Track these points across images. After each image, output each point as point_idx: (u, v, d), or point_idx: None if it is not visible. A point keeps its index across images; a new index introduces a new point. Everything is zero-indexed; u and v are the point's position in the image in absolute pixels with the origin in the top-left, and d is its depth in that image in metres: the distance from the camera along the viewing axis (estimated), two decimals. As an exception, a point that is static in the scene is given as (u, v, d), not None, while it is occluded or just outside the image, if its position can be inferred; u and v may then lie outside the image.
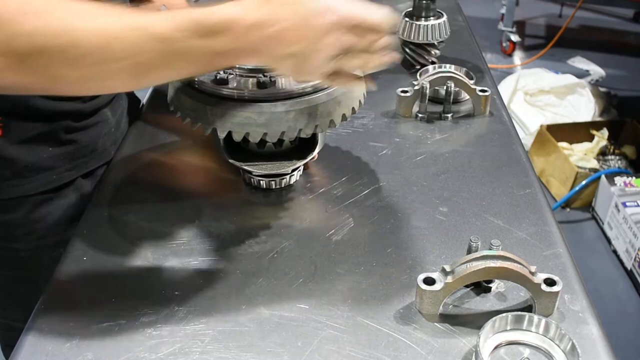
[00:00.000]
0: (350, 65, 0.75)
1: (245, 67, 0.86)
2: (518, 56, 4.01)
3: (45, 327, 0.78)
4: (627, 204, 2.44)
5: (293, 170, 1.00)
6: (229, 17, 0.68)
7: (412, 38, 1.34)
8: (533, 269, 0.77)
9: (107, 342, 0.75)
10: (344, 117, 0.89)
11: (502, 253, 0.76)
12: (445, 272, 0.77)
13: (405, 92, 1.21)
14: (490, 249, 0.78)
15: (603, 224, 2.58)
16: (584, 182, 2.66)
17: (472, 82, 1.21)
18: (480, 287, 0.82)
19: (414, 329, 0.77)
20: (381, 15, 0.72)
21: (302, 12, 0.69)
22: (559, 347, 0.73)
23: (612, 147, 2.90)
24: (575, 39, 4.14)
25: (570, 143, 2.90)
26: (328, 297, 0.82)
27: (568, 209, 2.72)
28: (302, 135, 0.88)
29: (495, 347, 0.74)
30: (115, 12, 0.69)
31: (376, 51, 0.74)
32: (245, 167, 0.97)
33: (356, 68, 0.77)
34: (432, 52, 1.37)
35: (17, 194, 1.01)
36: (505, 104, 1.31)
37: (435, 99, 1.24)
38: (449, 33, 1.35)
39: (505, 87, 3.25)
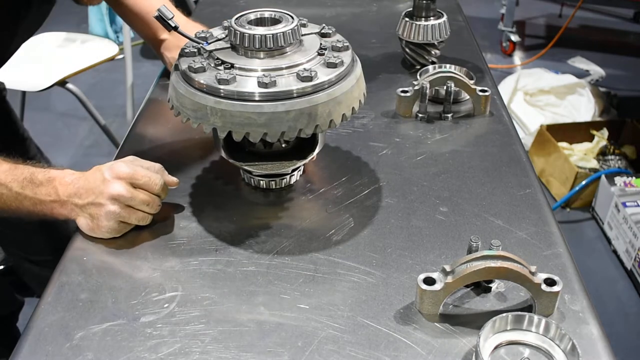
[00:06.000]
0: (131, 219, 0.91)
1: (245, 67, 0.86)
2: (518, 56, 4.01)
3: (45, 327, 0.78)
4: (627, 204, 2.44)
5: (293, 170, 1.00)
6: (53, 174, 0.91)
7: (412, 38, 1.34)
8: (533, 269, 0.77)
9: (107, 342, 0.75)
10: (344, 117, 0.89)
11: (502, 253, 0.76)
12: (445, 272, 0.77)
13: (405, 92, 1.21)
14: (490, 249, 0.78)
15: (603, 224, 2.58)
16: (584, 182, 2.65)
17: (472, 82, 1.21)
18: (480, 287, 0.82)
19: (414, 329, 0.77)
20: (152, 177, 0.90)
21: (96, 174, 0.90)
22: (559, 347, 0.73)
23: (612, 147, 2.89)
24: (575, 39, 4.14)
25: (570, 143, 2.90)
26: (328, 297, 0.82)
27: (568, 209, 2.72)
28: (302, 135, 0.88)
29: (495, 347, 0.74)
30: None
31: (148, 206, 0.91)
32: (245, 167, 0.97)
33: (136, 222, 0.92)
34: (432, 52, 1.37)
35: None
36: (505, 104, 1.31)
37: (435, 99, 1.24)
38: (449, 33, 1.35)
39: (505, 87, 3.25)
